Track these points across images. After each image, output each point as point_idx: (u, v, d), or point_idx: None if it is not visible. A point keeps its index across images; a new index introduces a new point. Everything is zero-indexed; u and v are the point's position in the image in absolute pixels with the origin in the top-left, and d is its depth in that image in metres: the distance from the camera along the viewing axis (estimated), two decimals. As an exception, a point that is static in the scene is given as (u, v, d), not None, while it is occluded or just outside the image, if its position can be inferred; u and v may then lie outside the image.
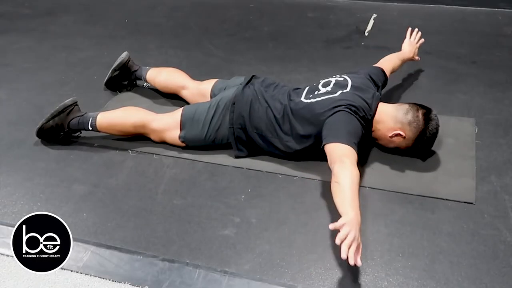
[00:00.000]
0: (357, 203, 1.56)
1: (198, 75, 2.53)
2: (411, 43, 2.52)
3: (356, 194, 1.58)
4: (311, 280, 1.55)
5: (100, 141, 2.25)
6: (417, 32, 2.55)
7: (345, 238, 1.42)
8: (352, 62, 2.83)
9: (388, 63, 2.31)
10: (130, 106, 2.28)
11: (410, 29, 2.56)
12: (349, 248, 1.41)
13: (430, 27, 3.24)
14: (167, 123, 2.14)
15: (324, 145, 1.80)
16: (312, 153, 1.96)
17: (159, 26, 3.51)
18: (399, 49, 2.56)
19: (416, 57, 2.55)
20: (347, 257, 1.40)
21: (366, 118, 1.91)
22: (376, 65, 2.27)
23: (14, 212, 1.89)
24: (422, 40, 2.55)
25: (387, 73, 2.24)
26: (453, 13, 3.43)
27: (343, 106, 1.85)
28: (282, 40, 3.20)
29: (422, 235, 1.69)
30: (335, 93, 1.95)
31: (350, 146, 1.75)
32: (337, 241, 1.43)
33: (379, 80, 2.17)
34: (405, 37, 2.54)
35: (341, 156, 1.71)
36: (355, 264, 1.41)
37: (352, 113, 1.85)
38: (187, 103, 2.39)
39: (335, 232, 1.70)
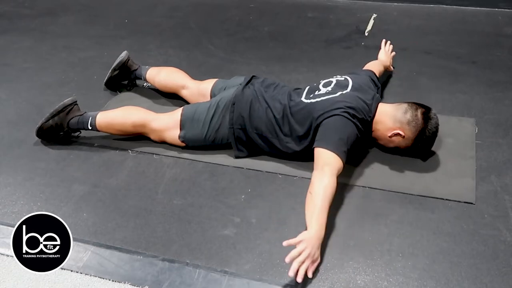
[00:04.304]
0: (325, 217, 1.57)
1: (198, 75, 2.53)
2: (386, 53, 2.58)
3: (326, 207, 1.59)
4: (311, 280, 1.55)
5: (100, 141, 2.25)
6: (390, 44, 2.62)
7: (298, 256, 1.41)
8: (352, 62, 2.82)
9: (375, 67, 2.34)
10: (130, 106, 2.28)
11: (384, 40, 2.63)
12: (300, 266, 1.40)
13: (430, 27, 3.24)
14: (167, 122, 2.14)
15: (313, 148, 1.81)
16: (311, 154, 1.95)
17: (159, 26, 3.50)
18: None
19: (391, 67, 2.61)
20: (296, 275, 1.39)
21: (365, 120, 1.91)
22: (364, 68, 2.30)
23: (14, 212, 1.89)
24: (394, 53, 2.63)
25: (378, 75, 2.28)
26: (453, 13, 3.43)
27: (341, 110, 1.85)
28: (282, 40, 3.20)
29: (422, 235, 1.69)
30: (335, 94, 1.95)
31: (337, 153, 1.74)
32: (287, 260, 1.40)
33: (378, 82, 2.18)
34: (380, 48, 2.60)
35: (323, 164, 1.71)
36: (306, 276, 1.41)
37: (350, 117, 1.84)
38: (187, 103, 2.38)
39: (335, 232, 1.70)
